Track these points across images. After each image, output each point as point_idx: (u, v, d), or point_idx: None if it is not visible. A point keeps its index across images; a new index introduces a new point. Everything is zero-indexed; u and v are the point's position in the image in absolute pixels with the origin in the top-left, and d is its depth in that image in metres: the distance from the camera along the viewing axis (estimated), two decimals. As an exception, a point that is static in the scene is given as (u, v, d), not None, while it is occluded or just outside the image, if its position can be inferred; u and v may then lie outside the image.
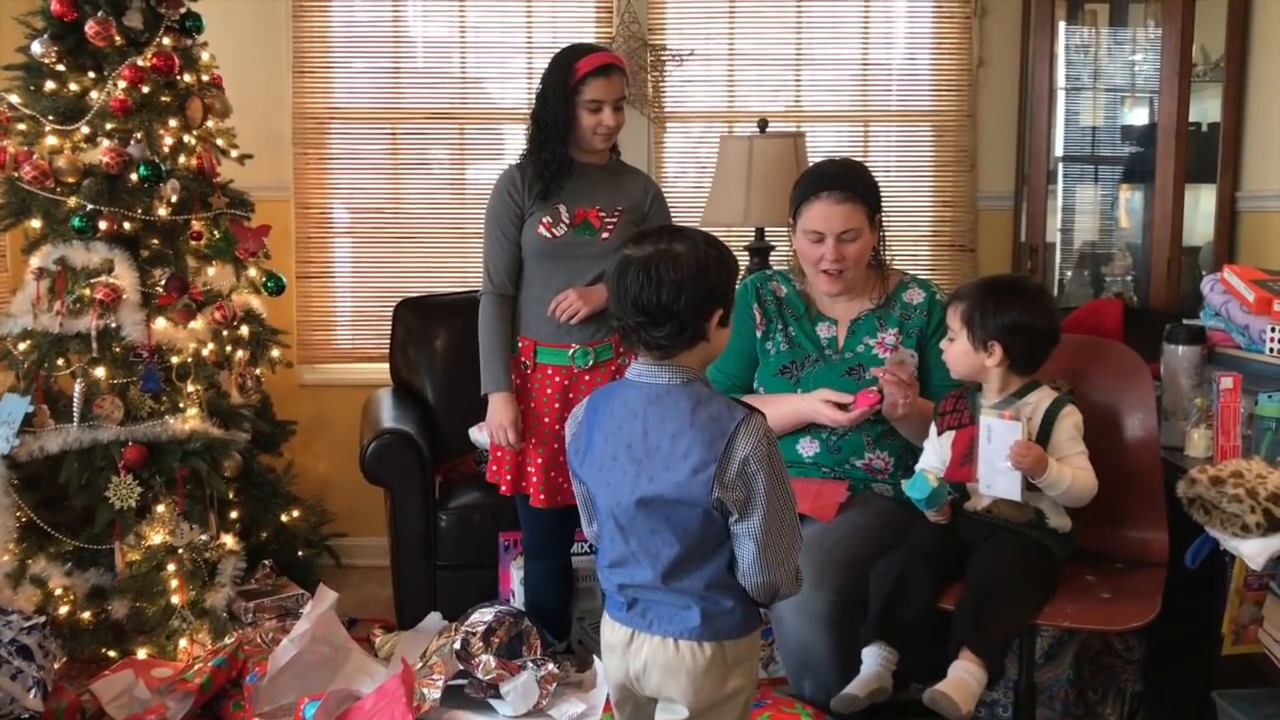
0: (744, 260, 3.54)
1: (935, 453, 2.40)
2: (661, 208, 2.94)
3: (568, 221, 2.80)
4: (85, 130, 3.14)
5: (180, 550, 2.97)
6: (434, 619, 3.22)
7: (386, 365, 3.79)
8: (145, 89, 3.13)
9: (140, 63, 3.11)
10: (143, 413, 3.09)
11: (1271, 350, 2.61)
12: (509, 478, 2.87)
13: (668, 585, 1.76)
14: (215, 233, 3.32)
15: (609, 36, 3.97)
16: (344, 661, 2.93)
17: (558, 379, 2.83)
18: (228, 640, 2.93)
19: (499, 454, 2.89)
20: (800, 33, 4.05)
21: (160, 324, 3.13)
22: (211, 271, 3.34)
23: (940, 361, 2.44)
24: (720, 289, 1.75)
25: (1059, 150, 3.82)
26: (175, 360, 3.12)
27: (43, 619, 2.80)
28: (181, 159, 3.24)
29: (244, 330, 3.35)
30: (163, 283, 3.19)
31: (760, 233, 3.62)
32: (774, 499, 1.71)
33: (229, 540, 3.11)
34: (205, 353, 3.19)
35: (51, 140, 3.12)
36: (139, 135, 3.14)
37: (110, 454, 3.00)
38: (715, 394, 1.77)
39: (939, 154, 4.10)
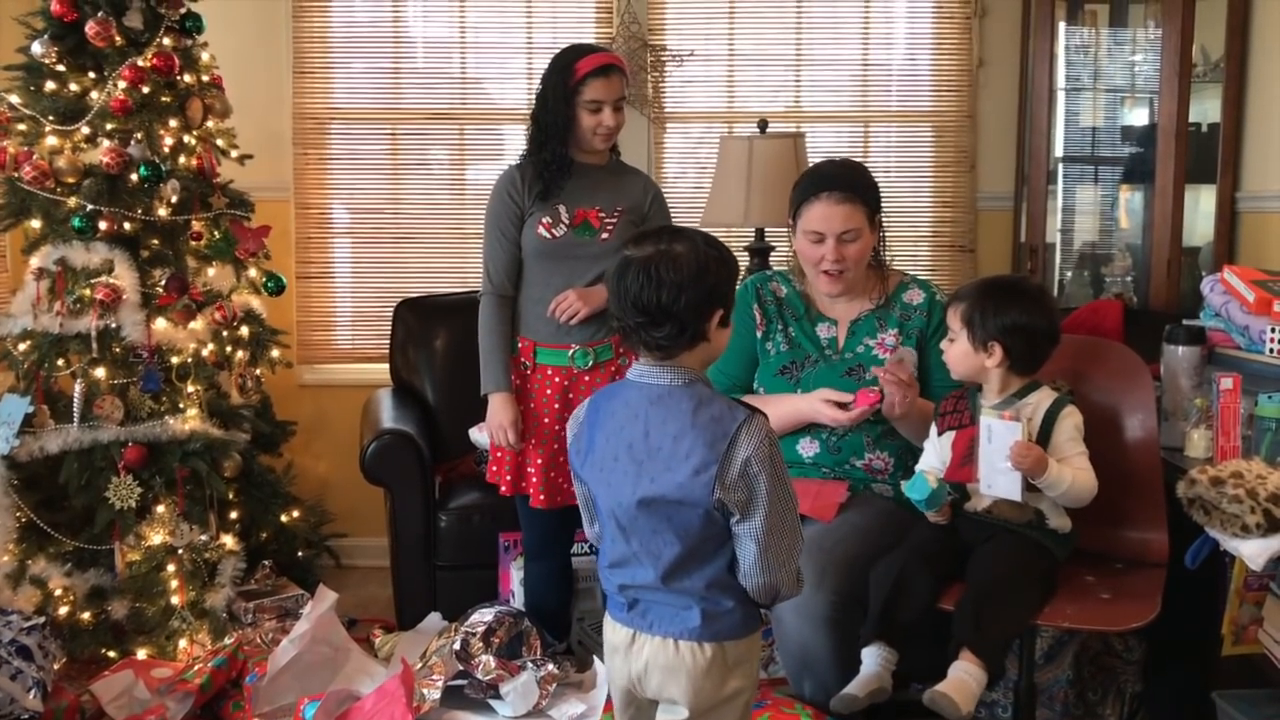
0: (744, 261, 3.54)
1: (935, 453, 2.40)
2: (661, 208, 2.94)
3: (567, 222, 2.80)
4: (85, 130, 3.14)
5: (180, 551, 2.97)
6: (434, 619, 3.22)
7: (386, 365, 3.79)
8: (145, 89, 3.13)
9: (140, 63, 3.11)
10: (143, 413, 3.09)
11: (1271, 351, 2.61)
12: (509, 478, 2.87)
13: (668, 585, 1.76)
14: (215, 233, 3.32)
15: (609, 37, 3.97)
16: (344, 662, 2.93)
17: (557, 379, 2.83)
18: (227, 641, 2.93)
19: (499, 454, 2.89)
20: (800, 33, 4.05)
21: (160, 324, 3.13)
22: (211, 272, 3.34)
23: (940, 362, 2.44)
24: (720, 289, 1.75)
25: (1059, 150, 3.82)
26: (175, 360, 3.12)
27: (42, 619, 2.80)
28: (181, 159, 3.24)
29: (244, 330, 3.35)
30: (163, 283, 3.19)
31: (760, 233, 3.62)
32: (776, 500, 1.71)
33: (229, 541, 3.11)
34: (205, 353, 3.19)
35: (52, 140, 3.12)
36: (139, 135, 3.15)
37: (110, 454, 3.00)
38: (717, 394, 1.77)
39: (939, 154, 4.10)
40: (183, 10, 3.27)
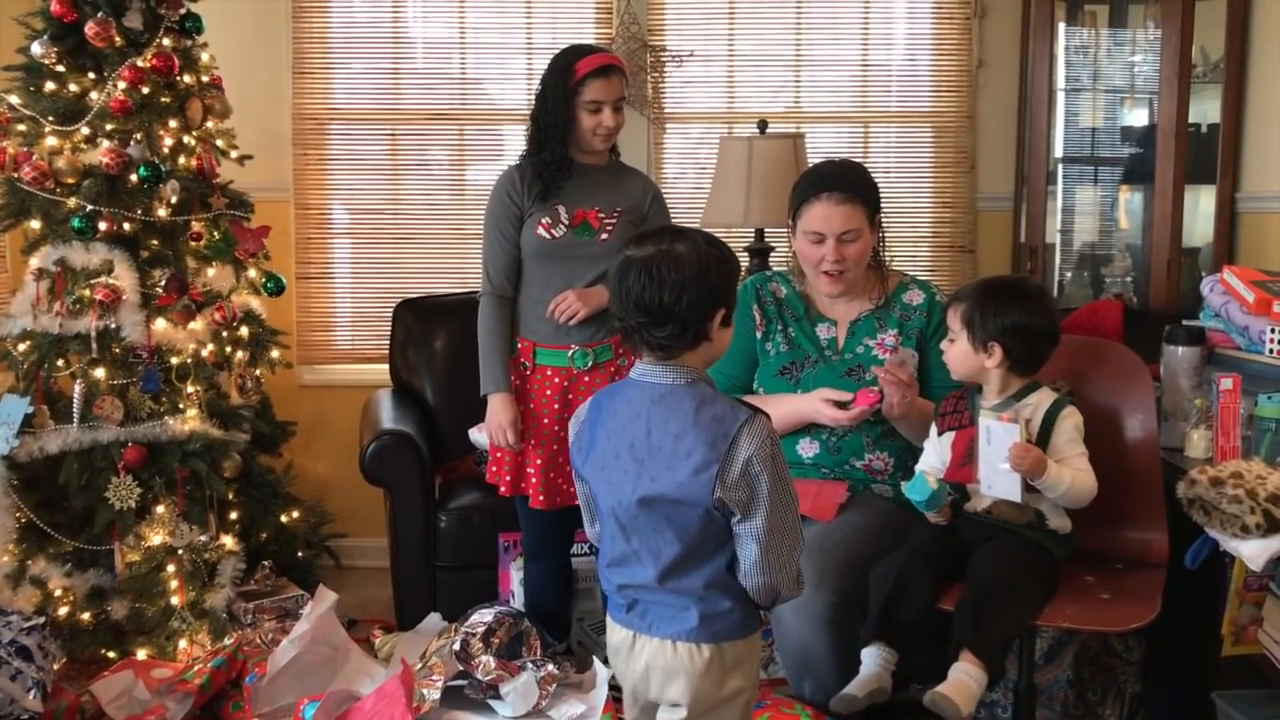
0: (744, 261, 3.54)
1: (936, 453, 2.40)
2: (661, 208, 2.94)
3: (567, 222, 2.80)
4: (85, 131, 3.14)
5: (180, 551, 2.97)
6: (434, 620, 3.22)
7: (386, 366, 3.79)
8: (145, 90, 3.13)
9: (140, 63, 3.11)
10: (142, 413, 3.09)
11: (1271, 351, 2.61)
12: (508, 479, 2.87)
13: (666, 585, 1.76)
14: (215, 233, 3.32)
15: (609, 37, 3.97)
16: (344, 662, 2.93)
17: (557, 380, 2.83)
18: (227, 641, 2.93)
19: (498, 455, 2.89)
20: (800, 33, 4.06)
21: (160, 325, 3.13)
22: (211, 272, 3.34)
23: (940, 362, 2.44)
24: (722, 289, 1.75)
25: (1059, 151, 3.82)
26: (175, 361, 3.12)
27: (42, 620, 2.80)
28: (181, 160, 3.24)
29: (244, 331, 3.35)
30: (162, 283, 3.19)
31: (760, 234, 3.62)
32: (777, 500, 1.71)
33: (228, 541, 3.11)
34: (205, 353, 3.18)
35: (51, 141, 3.12)
36: (139, 136, 3.15)
37: (110, 455, 3.00)
38: (719, 394, 1.77)
39: (939, 155, 4.10)
40: (182, 11, 3.27)
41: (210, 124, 3.38)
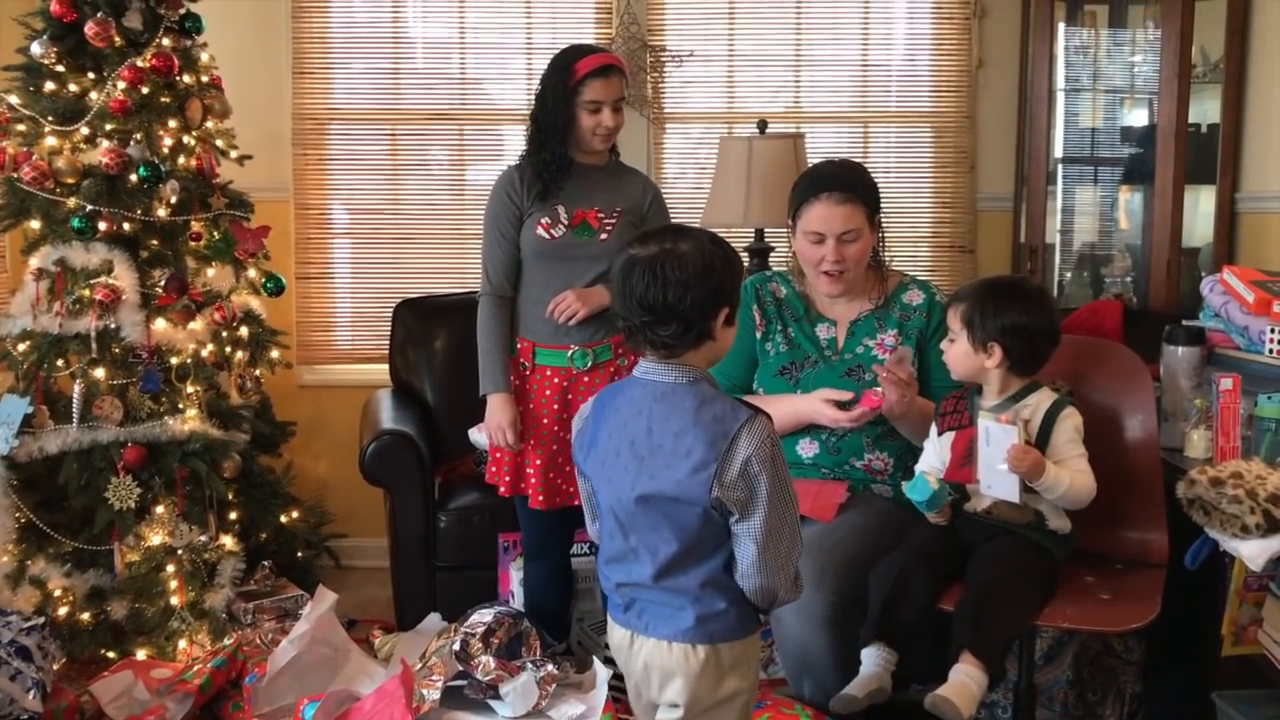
0: (743, 261, 3.54)
1: (935, 453, 2.40)
2: (661, 208, 2.94)
3: (566, 222, 2.80)
4: (85, 131, 3.14)
5: (179, 551, 2.96)
6: (433, 620, 3.22)
7: (386, 366, 3.79)
8: (145, 90, 3.13)
9: (140, 63, 3.11)
10: (142, 413, 3.09)
11: (1271, 351, 2.61)
12: (508, 479, 2.87)
13: (662, 583, 1.76)
14: (215, 233, 3.32)
15: (609, 37, 3.97)
16: (343, 662, 2.93)
17: (557, 380, 2.83)
18: (227, 641, 2.93)
19: (498, 455, 2.89)
20: (800, 33, 4.06)
21: (160, 325, 3.13)
22: (211, 272, 3.34)
23: (940, 362, 2.44)
24: (725, 288, 1.75)
25: (1058, 151, 3.82)
26: (175, 361, 3.11)
27: (42, 620, 2.80)
28: (181, 160, 3.24)
29: (243, 331, 3.35)
30: (162, 283, 3.19)
31: (760, 234, 3.62)
32: (776, 501, 1.71)
33: (228, 541, 3.11)
34: (205, 354, 3.18)
35: (51, 141, 3.12)
36: (138, 136, 3.14)
37: (110, 455, 3.00)
38: (721, 394, 1.77)
39: (939, 155, 4.10)
40: (182, 11, 3.27)
41: (210, 124, 3.38)
